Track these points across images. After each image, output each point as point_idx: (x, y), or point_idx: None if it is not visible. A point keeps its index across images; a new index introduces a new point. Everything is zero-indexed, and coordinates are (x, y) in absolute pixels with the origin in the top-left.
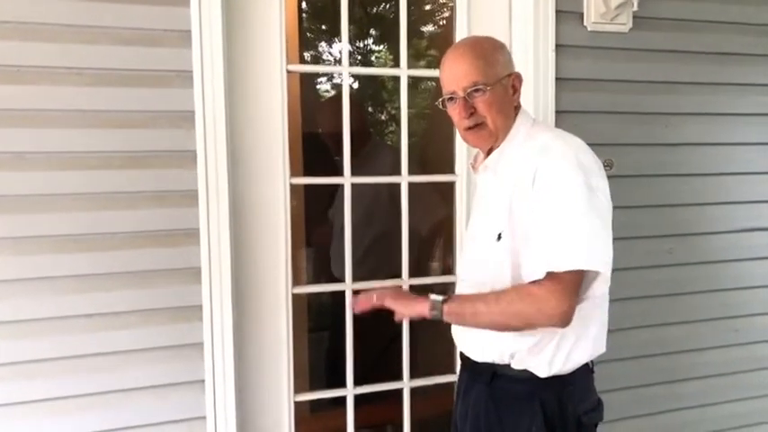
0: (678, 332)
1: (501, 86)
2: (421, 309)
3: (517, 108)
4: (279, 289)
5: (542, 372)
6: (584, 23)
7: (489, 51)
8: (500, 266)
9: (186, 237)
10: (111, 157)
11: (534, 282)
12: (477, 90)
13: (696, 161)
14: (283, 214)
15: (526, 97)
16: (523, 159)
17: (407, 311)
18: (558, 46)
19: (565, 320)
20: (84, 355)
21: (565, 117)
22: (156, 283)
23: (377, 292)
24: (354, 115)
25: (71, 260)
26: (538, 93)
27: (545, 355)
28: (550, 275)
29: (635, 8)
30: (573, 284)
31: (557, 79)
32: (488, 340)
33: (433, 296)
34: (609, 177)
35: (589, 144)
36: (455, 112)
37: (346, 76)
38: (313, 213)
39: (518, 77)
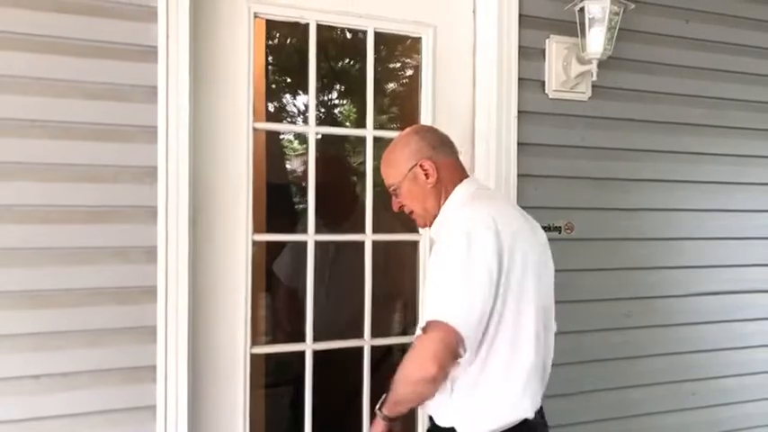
0: (637, 395)
1: (408, 180)
2: (373, 426)
3: (447, 184)
4: (237, 349)
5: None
6: (546, 91)
7: (395, 154)
8: None
9: (143, 294)
10: (73, 211)
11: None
12: (394, 190)
13: (654, 226)
14: (244, 272)
15: (488, 161)
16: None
17: None
18: (519, 112)
19: (429, 366)
20: (30, 419)
21: (526, 181)
22: (110, 342)
23: None
24: (343, 179)
25: (24, 317)
26: (500, 157)
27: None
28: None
29: (594, 78)
30: (436, 336)
31: (519, 144)
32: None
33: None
34: (569, 240)
35: (550, 207)
36: None
37: (312, 135)
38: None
39: (423, 164)
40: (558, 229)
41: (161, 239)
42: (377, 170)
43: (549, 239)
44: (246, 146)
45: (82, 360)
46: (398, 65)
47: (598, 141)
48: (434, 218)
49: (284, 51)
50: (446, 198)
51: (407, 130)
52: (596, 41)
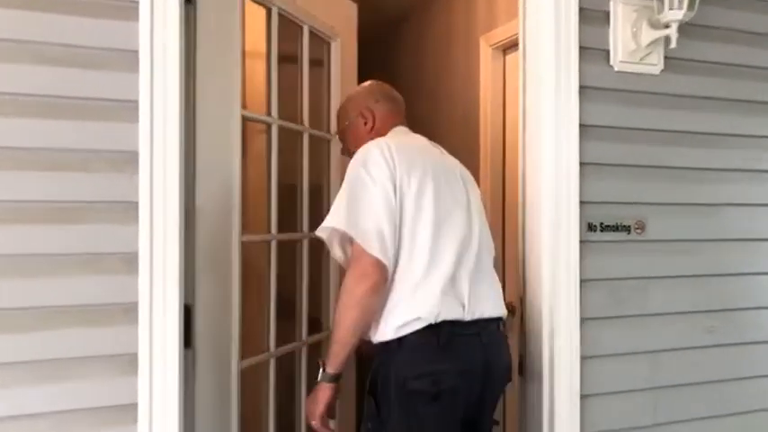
0: (723, 428)
1: (352, 126)
2: (319, 393)
3: (381, 132)
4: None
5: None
6: (611, 62)
7: (344, 103)
8: None
9: (121, 313)
10: (31, 208)
11: None
12: (340, 135)
13: (740, 224)
14: (237, 281)
15: (542, 146)
16: None
17: (315, 406)
18: (581, 87)
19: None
20: None
21: (589, 171)
22: (77, 375)
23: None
24: None
25: None
26: (560, 141)
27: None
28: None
29: (673, 44)
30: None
31: (580, 126)
32: None
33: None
34: (639, 242)
35: (616, 203)
36: None
37: (275, 128)
38: None
39: (364, 112)
40: (627, 228)
41: (143, 243)
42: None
43: (615, 241)
44: (236, 135)
45: (42, 400)
46: None
47: (673, 123)
48: None
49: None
50: None
51: (359, 85)
52: None
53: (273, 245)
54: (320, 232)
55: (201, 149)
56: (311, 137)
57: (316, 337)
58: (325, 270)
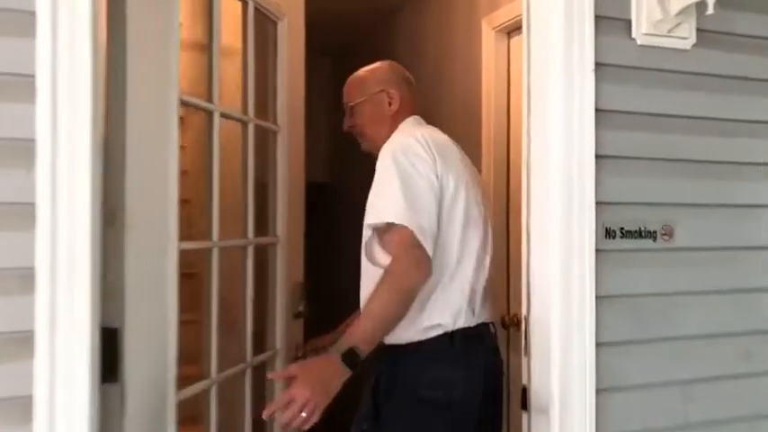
0: None
1: (371, 102)
2: (335, 379)
3: (401, 118)
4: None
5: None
6: (633, 35)
7: (364, 75)
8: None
9: (14, 344)
10: None
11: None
12: (352, 107)
13: None
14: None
15: (548, 135)
16: None
17: (326, 396)
18: (597, 65)
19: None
20: None
21: (606, 165)
22: None
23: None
24: None
25: None
26: (570, 129)
27: None
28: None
29: (710, 10)
30: (400, 240)
31: (596, 111)
32: None
33: (334, 355)
34: (666, 251)
35: (639, 203)
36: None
37: (217, 116)
38: None
39: (390, 91)
40: (652, 234)
41: (42, 256)
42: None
43: (637, 249)
44: (172, 123)
45: None
46: None
47: (707, 109)
48: (378, 147)
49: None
50: (389, 134)
51: (378, 63)
52: None
53: (215, 253)
54: (374, 220)
55: (132, 140)
56: (256, 128)
57: (261, 357)
58: (272, 280)
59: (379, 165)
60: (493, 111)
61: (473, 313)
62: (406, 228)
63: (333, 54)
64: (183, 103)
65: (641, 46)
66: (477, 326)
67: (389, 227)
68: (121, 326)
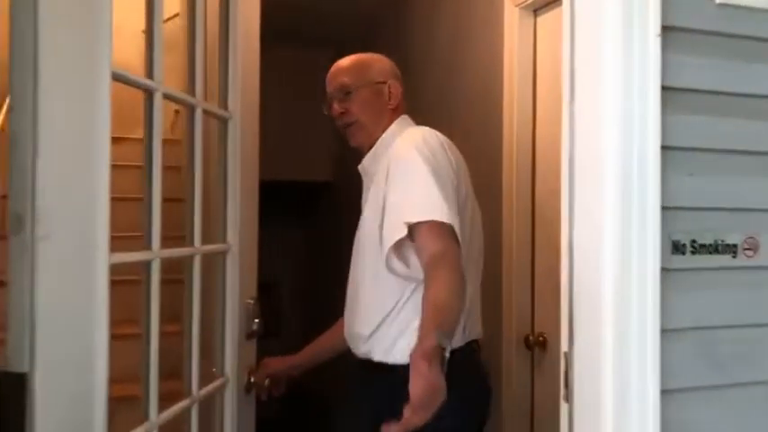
0: None
1: (370, 91)
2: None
3: (395, 116)
4: None
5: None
6: None
7: (365, 61)
8: (358, 252)
9: None
10: None
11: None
12: (346, 93)
13: None
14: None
15: (599, 121)
16: (385, 161)
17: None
18: (664, 28)
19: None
20: None
21: (674, 159)
22: None
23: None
24: None
25: None
26: (630, 114)
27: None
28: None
29: None
30: (441, 242)
31: (662, 89)
32: None
33: (423, 342)
34: (750, 269)
35: (715, 209)
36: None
37: (159, 98)
38: None
39: (394, 85)
40: (732, 249)
41: None
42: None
43: (713, 268)
44: (103, 102)
45: None
46: None
47: None
48: (371, 142)
49: None
50: (385, 129)
51: (372, 53)
52: None
53: (155, 266)
54: (419, 217)
55: (46, 123)
56: (205, 114)
57: (209, 388)
58: (220, 295)
59: (402, 160)
60: (516, 101)
61: (464, 330)
62: (448, 224)
63: (335, 44)
64: (117, 79)
65: (720, 5)
66: (468, 343)
67: (419, 226)
68: (31, 369)
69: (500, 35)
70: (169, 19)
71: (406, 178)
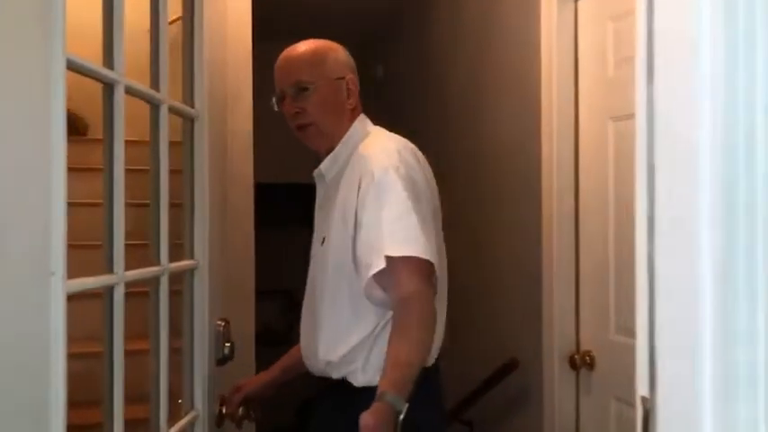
0: None
1: (329, 88)
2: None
3: (354, 115)
4: None
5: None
6: None
7: (321, 53)
8: (323, 268)
9: None
10: None
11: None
12: (302, 89)
13: None
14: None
15: (701, 100)
16: (351, 166)
17: None
18: None
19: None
20: None
21: None
22: None
23: None
24: None
25: None
26: (733, 90)
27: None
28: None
29: None
30: (418, 279)
31: None
32: None
33: (376, 404)
34: None
35: None
36: (284, 110)
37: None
38: None
39: (352, 81)
40: None
41: None
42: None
43: None
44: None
45: None
46: None
47: None
48: (330, 146)
49: None
50: (345, 131)
51: (324, 41)
52: None
53: (119, 292)
54: (402, 252)
55: None
56: (171, 111)
57: (182, 423)
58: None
59: (379, 182)
60: (555, 95)
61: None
62: (426, 261)
63: (357, 39)
64: (72, 68)
65: None
66: (435, 362)
67: (395, 259)
68: None
69: (536, 21)
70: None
71: (385, 203)
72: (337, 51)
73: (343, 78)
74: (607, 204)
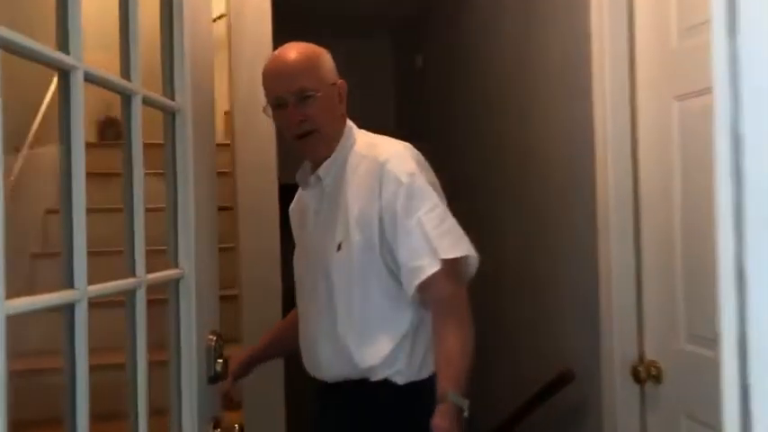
0: None
1: (329, 93)
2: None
3: (344, 116)
4: None
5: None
6: None
7: (320, 59)
8: (345, 274)
9: None
10: None
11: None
12: (306, 96)
13: None
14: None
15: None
16: (365, 168)
17: None
18: None
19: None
20: None
21: None
22: None
23: None
24: None
25: None
26: None
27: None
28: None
29: None
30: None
31: None
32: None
33: (442, 407)
34: None
35: None
36: (284, 118)
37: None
38: None
39: (342, 86)
40: None
41: None
42: None
43: None
44: None
45: None
46: None
47: None
48: (330, 149)
49: None
50: (341, 136)
51: (307, 44)
52: None
53: (81, 310)
54: (458, 253)
55: None
56: (146, 103)
57: None
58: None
59: (406, 185)
60: (609, 77)
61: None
62: (460, 259)
63: (391, 26)
64: (6, 48)
65: None
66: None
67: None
68: None
69: (584, 4)
70: (217, 18)
71: (419, 207)
72: (327, 56)
73: (335, 84)
74: (671, 194)
